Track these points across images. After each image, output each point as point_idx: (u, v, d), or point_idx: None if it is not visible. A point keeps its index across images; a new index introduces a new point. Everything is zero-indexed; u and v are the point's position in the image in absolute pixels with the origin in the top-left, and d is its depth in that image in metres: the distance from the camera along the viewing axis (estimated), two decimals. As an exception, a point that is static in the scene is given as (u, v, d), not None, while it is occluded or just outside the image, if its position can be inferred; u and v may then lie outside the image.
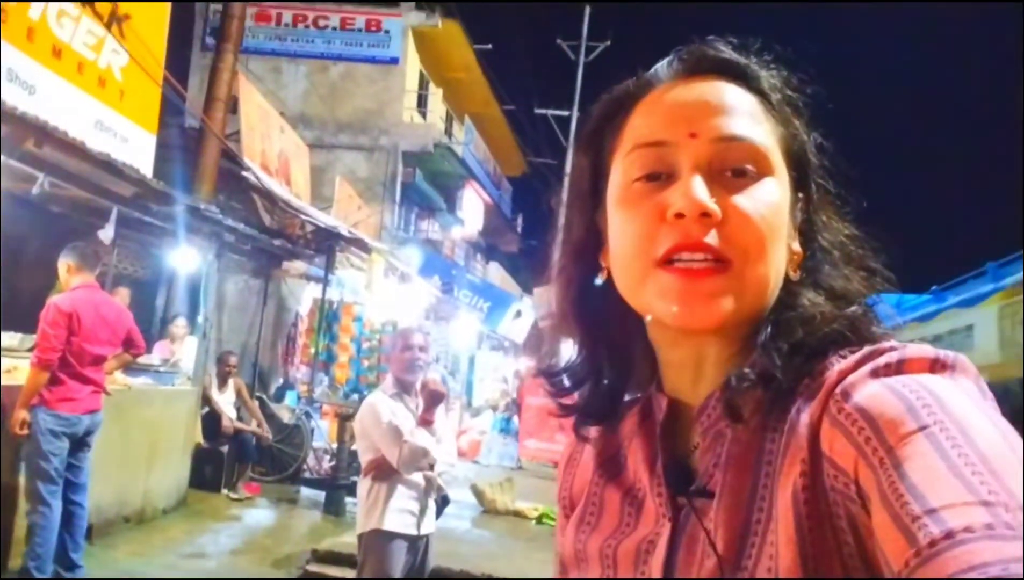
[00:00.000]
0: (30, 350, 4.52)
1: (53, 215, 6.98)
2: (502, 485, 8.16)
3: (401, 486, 3.48)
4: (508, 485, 8.21)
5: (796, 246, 0.67)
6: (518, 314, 16.08)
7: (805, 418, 0.57)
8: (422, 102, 18.22)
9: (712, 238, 0.61)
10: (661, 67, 0.70)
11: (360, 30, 16.98)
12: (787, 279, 0.66)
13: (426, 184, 18.05)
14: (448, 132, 19.25)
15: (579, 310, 0.75)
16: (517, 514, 7.83)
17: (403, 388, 3.60)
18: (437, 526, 3.74)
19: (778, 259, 0.64)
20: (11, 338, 5.97)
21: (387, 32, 16.98)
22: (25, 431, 4.20)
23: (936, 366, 0.54)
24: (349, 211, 12.56)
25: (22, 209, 6.50)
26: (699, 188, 0.62)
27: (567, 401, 0.77)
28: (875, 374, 0.55)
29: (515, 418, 13.90)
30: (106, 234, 5.74)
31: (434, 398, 3.49)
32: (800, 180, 0.68)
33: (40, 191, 5.26)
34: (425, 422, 3.46)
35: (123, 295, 6.64)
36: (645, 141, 0.66)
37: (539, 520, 7.74)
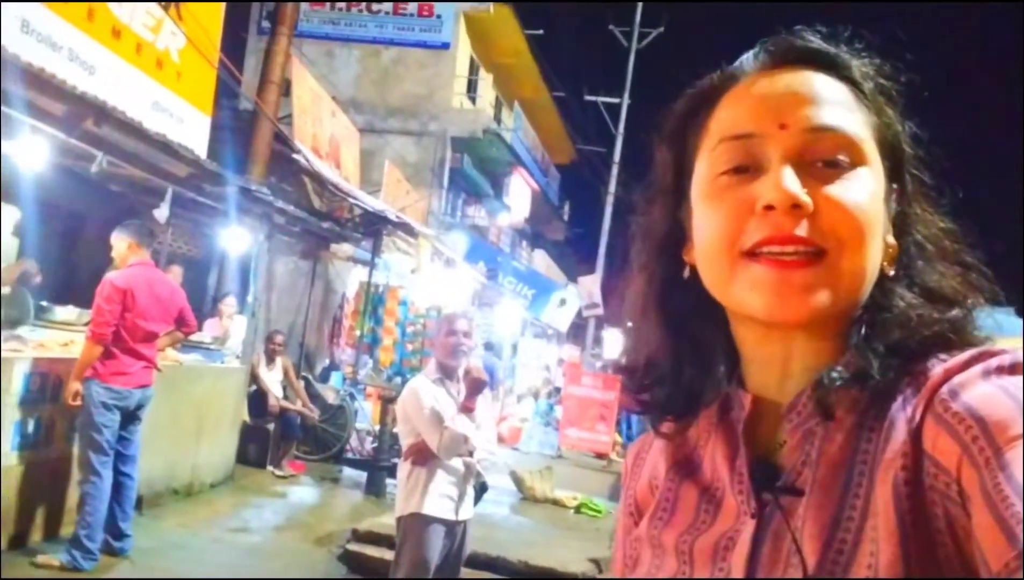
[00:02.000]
0: (86, 325, 4.65)
1: (111, 193, 7.17)
2: (541, 473, 8.16)
3: (440, 471, 3.49)
4: (547, 473, 8.21)
5: (891, 239, 0.65)
6: (562, 302, 16.03)
7: (907, 415, 0.56)
8: (472, 87, 18.21)
9: (803, 230, 0.60)
10: (746, 59, 0.68)
11: (412, 15, 17.03)
12: (881, 274, 0.64)
13: (474, 170, 18.07)
14: (497, 118, 19.22)
15: (662, 307, 0.73)
16: (555, 503, 7.82)
17: (446, 373, 3.60)
18: (475, 512, 3.75)
19: (874, 251, 0.62)
20: (68, 312, 6.17)
21: (439, 17, 16.99)
22: (78, 403, 4.33)
23: None
24: (397, 195, 12.64)
25: (81, 187, 6.70)
26: (790, 179, 0.60)
27: (645, 398, 0.76)
28: (986, 375, 0.53)
29: (556, 406, 13.88)
30: (161, 213, 5.85)
31: (476, 385, 3.49)
32: (894, 171, 0.66)
33: (98, 170, 5.38)
34: (466, 409, 3.46)
35: (176, 273, 6.80)
36: (732, 134, 0.65)
37: (577, 510, 7.73)
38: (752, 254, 0.61)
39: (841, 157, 0.61)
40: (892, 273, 0.64)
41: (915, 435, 0.54)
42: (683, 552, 0.68)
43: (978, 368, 0.54)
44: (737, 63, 0.68)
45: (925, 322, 0.61)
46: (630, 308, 0.77)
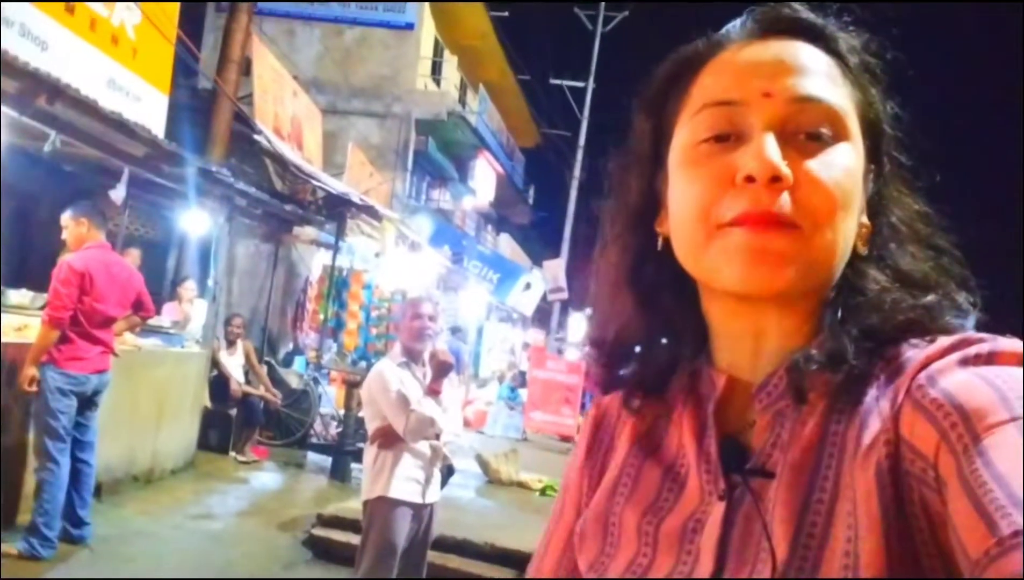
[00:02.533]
0: (40, 308, 4.53)
1: (65, 174, 6.97)
2: (507, 456, 8.20)
3: (407, 454, 3.49)
4: (513, 456, 8.25)
5: (865, 219, 0.65)
6: (527, 286, 16.06)
7: (885, 402, 0.56)
8: (436, 69, 18.04)
9: (783, 204, 0.59)
10: (733, 27, 0.67)
11: (376, -6, 16.78)
12: (854, 254, 0.63)
13: (438, 153, 17.94)
14: (462, 101, 19.08)
15: (633, 279, 0.72)
16: (521, 485, 7.87)
17: (411, 357, 3.59)
18: (441, 495, 3.75)
19: (848, 230, 0.61)
20: (22, 296, 6.00)
21: (403, -4, 16.76)
22: (34, 388, 4.22)
23: None
24: (361, 178, 12.50)
25: (33, 167, 6.50)
26: (772, 149, 0.59)
27: (614, 372, 0.74)
28: (964, 363, 0.53)
29: (521, 390, 13.94)
30: (117, 194, 5.71)
31: (442, 368, 3.49)
32: (873, 150, 0.65)
33: (51, 149, 5.23)
34: (433, 392, 3.46)
35: (133, 256, 6.64)
36: (715, 100, 0.63)
37: (543, 492, 7.78)
38: (727, 225, 0.60)
39: (824, 130, 0.61)
40: (865, 253, 0.64)
41: (893, 421, 0.54)
42: (647, 534, 0.67)
43: (956, 355, 0.54)
44: (723, 31, 0.67)
45: (900, 307, 0.61)
46: (601, 279, 0.75)
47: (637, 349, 0.74)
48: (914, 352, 0.58)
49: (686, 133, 0.65)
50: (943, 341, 0.57)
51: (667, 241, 0.68)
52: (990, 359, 0.53)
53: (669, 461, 0.69)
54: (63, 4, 6.05)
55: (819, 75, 0.62)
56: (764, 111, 0.61)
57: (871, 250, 0.64)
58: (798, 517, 0.57)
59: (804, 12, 0.65)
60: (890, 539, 0.51)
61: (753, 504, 0.61)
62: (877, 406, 0.56)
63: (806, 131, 0.61)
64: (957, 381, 0.52)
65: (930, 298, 0.62)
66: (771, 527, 0.58)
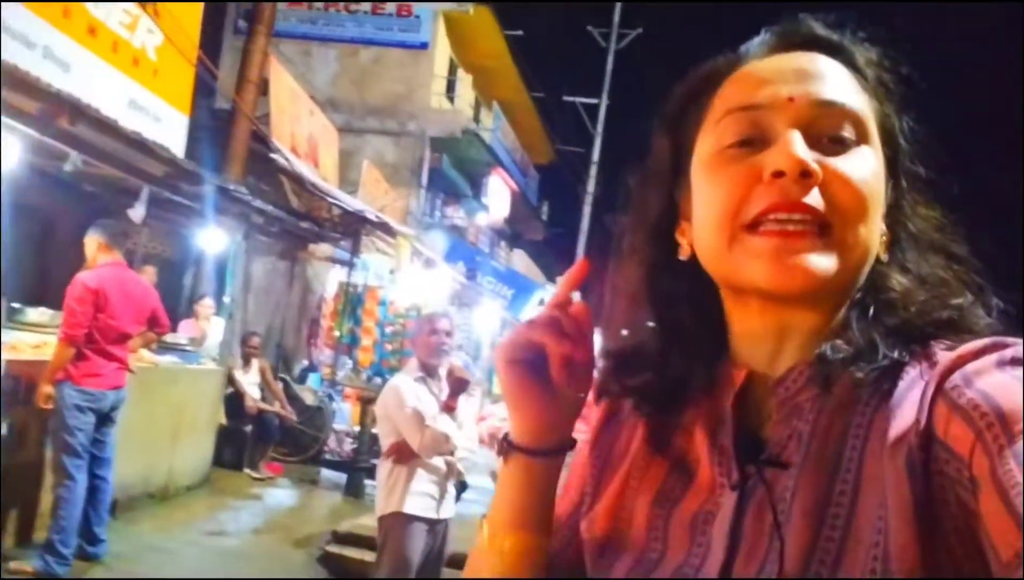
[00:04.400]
0: (59, 326, 4.57)
1: (85, 193, 7.06)
2: (522, 473, 8.15)
3: (421, 470, 3.48)
4: (528, 473, 8.20)
5: (884, 228, 0.65)
6: (541, 302, 16.01)
7: (915, 398, 0.56)
8: (451, 88, 18.15)
9: (813, 199, 0.59)
10: (752, 43, 0.69)
11: (391, 15, 16.93)
12: (876, 259, 0.64)
13: (453, 170, 18.01)
14: (476, 118, 19.18)
15: (652, 290, 0.73)
16: (536, 503, 7.82)
17: (427, 372, 3.58)
18: (456, 511, 3.74)
19: (874, 231, 0.62)
20: (41, 314, 6.06)
21: (417, 17, 16.91)
22: (51, 405, 4.25)
23: None
24: (376, 195, 12.57)
25: (55, 187, 6.59)
26: (800, 145, 0.59)
27: (629, 382, 0.74)
28: (1000, 365, 0.53)
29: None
30: (136, 213, 5.77)
31: (459, 385, 3.48)
32: (890, 162, 0.66)
33: (72, 169, 5.30)
34: (448, 408, 3.45)
35: (149, 273, 6.70)
36: (739, 105, 0.64)
37: (558, 509, 7.73)
38: (754, 226, 0.60)
39: (847, 133, 0.62)
40: (886, 260, 0.65)
41: (926, 418, 0.54)
42: (656, 527, 0.67)
43: (993, 357, 0.54)
44: (743, 47, 0.69)
45: (930, 306, 0.61)
46: (618, 292, 0.76)
47: (653, 359, 0.73)
48: (945, 352, 0.58)
49: (710, 141, 0.65)
50: (976, 342, 0.56)
51: (691, 250, 0.68)
52: None
53: (678, 454, 0.70)
54: (85, 25, 6.16)
55: (838, 82, 0.63)
56: (788, 114, 0.62)
57: (892, 257, 0.65)
58: (820, 508, 0.57)
59: (821, 28, 0.67)
60: (923, 533, 0.51)
61: (766, 494, 0.60)
62: (906, 402, 0.56)
63: (829, 135, 0.61)
64: (994, 383, 0.51)
65: (960, 300, 0.62)
66: (789, 517, 0.58)
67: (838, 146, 0.61)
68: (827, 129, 0.61)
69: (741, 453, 0.64)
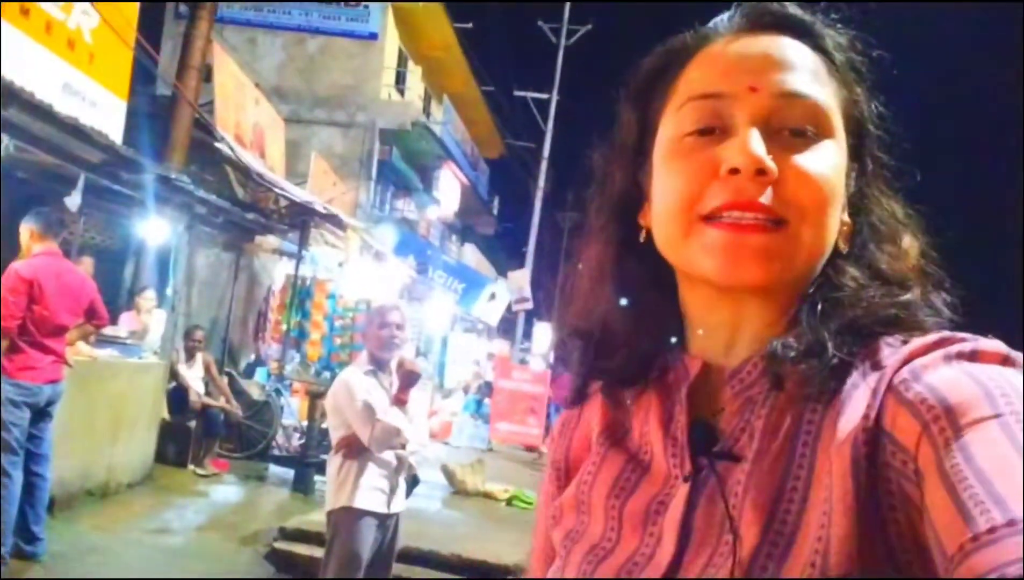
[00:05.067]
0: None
1: (18, 181, 6.77)
2: (472, 466, 8.16)
3: (372, 464, 3.44)
4: (479, 466, 8.21)
5: (847, 217, 0.65)
6: (492, 296, 16.04)
7: (865, 393, 0.56)
8: (400, 80, 17.98)
9: (767, 197, 0.59)
10: (720, 21, 0.67)
11: (339, 4, 16.69)
12: (835, 251, 0.64)
13: (403, 163, 17.87)
14: (426, 111, 19.05)
15: (616, 271, 0.72)
16: (487, 495, 7.83)
17: (378, 366, 3.55)
18: (407, 506, 3.71)
19: (832, 226, 0.62)
20: (-29, 305, 5.81)
21: (366, 7, 16.69)
22: (-16, 400, 4.09)
23: (1008, 361, 0.53)
24: (324, 187, 12.38)
25: (-15, 173, 6.31)
26: (756, 143, 0.59)
27: (597, 363, 0.74)
28: (947, 359, 0.54)
29: (486, 400, 13.89)
30: (73, 201, 5.57)
31: (410, 378, 3.46)
32: (856, 148, 0.66)
33: (5, 155, 5.09)
34: (399, 401, 3.42)
35: (87, 265, 6.48)
36: (701, 93, 0.64)
37: (509, 502, 7.75)
38: (710, 218, 0.60)
39: (808, 127, 0.61)
40: (845, 250, 0.65)
41: (875, 413, 0.54)
42: (612, 517, 0.67)
43: (940, 352, 0.55)
44: (711, 24, 0.68)
45: (878, 303, 0.61)
46: (583, 271, 0.75)
47: (619, 340, 0.73)
48: (893, 347, 0.58)
49: (671, 126, 0.65)
50: (927, 338, 0.57)
51: (649, 234, 0.68)
52: (973, 357, 0.53)
53: (635, 445, 0.70)
54: (17, 5, 5.90)
55: (805, 71, 0.63)
56: (749, 105, 0.61)
57: (851, 249, 0.65)
58: (772, 503, 0.57)
59: (792, 8, 0.66)
60: (863, 524, 0.51)
61: (717, 486, 0.61)
62: (855, 397, 0.56)
63: (791, 127, 0.61)
64: (941, 376, 0.52)
65: (908, 296, 0.63)
66: (741, 511, 0.58)
67: (799, 140, 0.61)
68: (788, 121, 0.61)
69: (694, 444, 0.64)
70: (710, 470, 0.62)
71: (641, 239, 0.69)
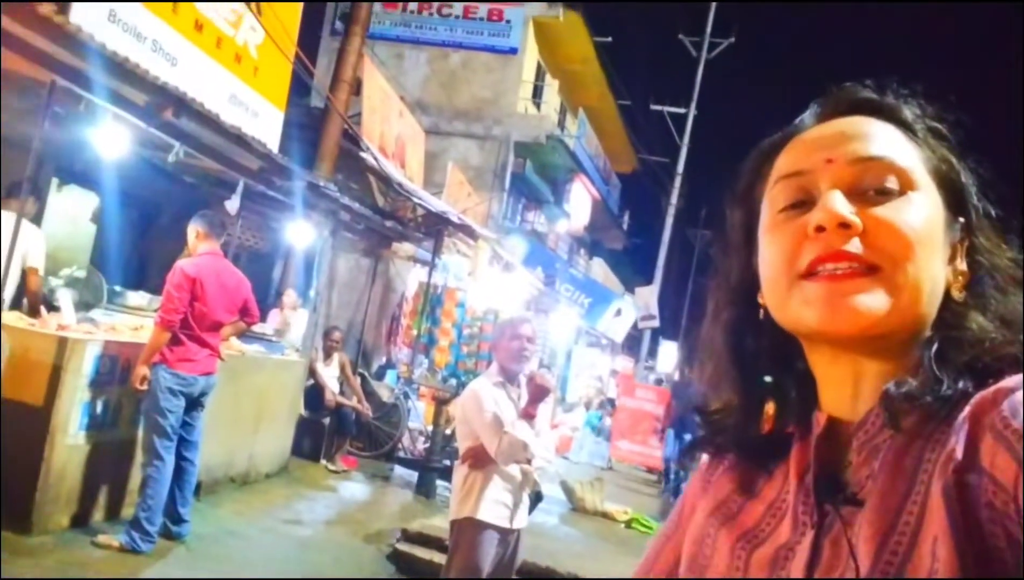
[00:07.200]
0: (156, 311, 4.74)
1: (185, 184, 7.34)
2: (592, 484, 8.05)
3: (497, 477, 3.43)
4: (598, 485, 8.10)
5: (962, 266, 0.68)
6: (618, 312, 15.85)
7: (965, 429, 0.56)
8: (537, 93, 18.19)
9: (854, 246, 0.63)
10: (803, 116, 0.75)
11: (482, 19, 17.10)
12: (952, 300, 0.67)
13: (535, 175, 18.03)
14: (561, 124, 19.15)
15: (736, 350, 0.77)
16: (605, 515, 7.70)
17: (508, 377, 3.54)
18: (528, 521, 3.68)
19: (932, 269, 0.65)
20: (140, 298, 6.33)
21: (508, 22, 17.01)
22: (145, 387, 4.41)
23: None
24: (459, 198, 12.68)
25: (157, 177, 6.87)
26: (837, 200, 0.65)
27: (719, 439, 0.79)
28: None
29: (607, 417, 13.72)
30: (232, 205, 5.95)
31: (539, 392, 3.42)
32: (957, 203, 0.69)
33: (175, 160, 5.50)
34: (527, 415, 3.39)
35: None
36: (785, 173, 0.71)
37: (628, 524, 7.59)
38: (808, 276, 0.65)
39: (890, 184, 0.66)
40: (962, 299, 0.67)
41: (974, 450, 0.54)
42: (738, 559, 0.70)
43: None
44: (796, 120, 0.75)
45: (999, 343, 0.62)
46: (706, 353, 0.80)
47: (741, 417, 0.78)
48: (999, 385, 0.58)
49: (767, 207, 0.72)
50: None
51: (767, 310, 0.73)
52: None
53: (772, 498, 0.73)
54: (192, 21, 6.40)
55: (878, 139, 0.68)
56: (828, 174, 0.67)
57: (969, 297, 0.67)
58: (882, 536, 0.58)
59: (864, 91, 0.72)
60: (965, 558, 0.51)
61: (841, 530, 0.63)
62: (960, 433, 0.57)
63: (874, 187, 0.66)
64: None
65: None
66: (857, 548, 0.60)
67: (882, 196, 0.65)
68: (870, 182, 0.66)
69: (822, 494, 0.67)
70: (835, 515, 0.64)
71: (760, 316, 0.74)
